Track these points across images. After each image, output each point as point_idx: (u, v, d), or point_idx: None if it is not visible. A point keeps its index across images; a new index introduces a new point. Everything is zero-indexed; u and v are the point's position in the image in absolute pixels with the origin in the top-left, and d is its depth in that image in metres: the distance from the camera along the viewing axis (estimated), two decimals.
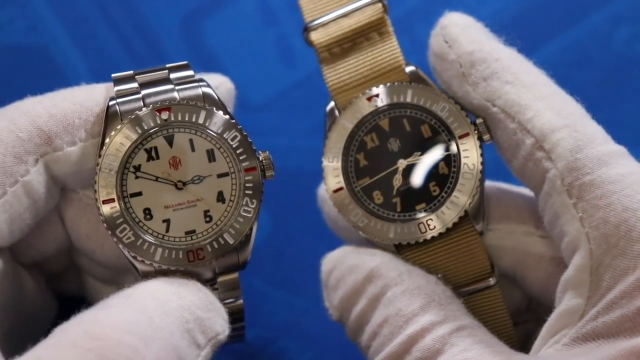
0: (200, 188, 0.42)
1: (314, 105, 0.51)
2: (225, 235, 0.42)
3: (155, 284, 0.40)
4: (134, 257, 0.41)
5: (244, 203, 0.42)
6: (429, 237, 0.44)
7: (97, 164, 0.41)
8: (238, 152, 0.43)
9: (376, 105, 0.45)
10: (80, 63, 0.60)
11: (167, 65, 0.44)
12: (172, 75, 0.44)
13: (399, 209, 0.44)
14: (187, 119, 0.42)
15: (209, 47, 0.61)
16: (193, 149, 0.42)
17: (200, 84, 0.44)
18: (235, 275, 0.43)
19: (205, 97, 0.43)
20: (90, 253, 0.45)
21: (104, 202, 0.41)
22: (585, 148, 0.41)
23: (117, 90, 0.43)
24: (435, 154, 0.45)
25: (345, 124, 0.45)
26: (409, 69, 0.46)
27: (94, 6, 0.61)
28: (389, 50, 0.46)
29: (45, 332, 0.37)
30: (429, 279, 0.42)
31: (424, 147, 0.45)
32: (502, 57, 0.44)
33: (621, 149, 0.42)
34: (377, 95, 0.45)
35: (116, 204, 0.41)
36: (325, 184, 0.45)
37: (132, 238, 0.41)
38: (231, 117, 0.43)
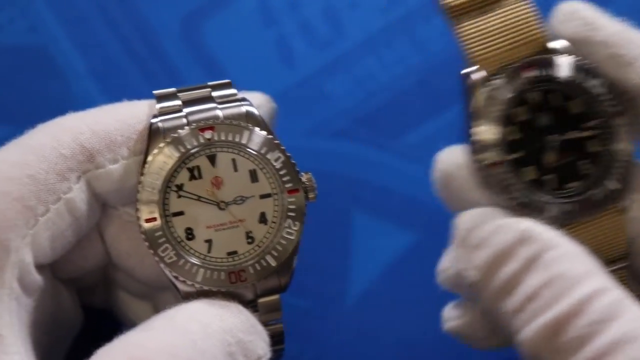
0: (243, 209, 0.42)
1: (314, 106, 0.51)
2: (268, 257, 0.42)
3: (197, 305, 0.40)
4: (176, 277, 0.41)
5: (286, 225, 0.42)
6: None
7: (140, 182, 0.41)
8: (281, 173, 0.42)
9: (527, 77, 0.43)
10: (80, 63, 0.60)
11: (210, 83, 0.44)
12: (215, 94, 0.44)
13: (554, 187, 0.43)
14: (230, 138, 0.42)
15: (209, 48, 0.61)
16: (236, 169, 0.42)
17: (243, 102, 0.44)
18: (276, 297, 0.43)
19: (249, 116, 0.43)
20: (130, 270, 0.45)
21: (146, 220, 0.41)
22: None
23: (160, 108, 0.43)
24: (589, 131, 0.43)
25: (503, 92, 0.43)
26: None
27: (94, 6, 0.61)
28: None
29: (71, 346, 0.37)
30: (581, 247, 0.40)
31: (577, 123, 0.43)
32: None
33: None
34: (530, 66, 0.43)
35: (158, 222, 0.41)
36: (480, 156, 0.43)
37: (174, 258, 0.41)
38: (274, 138, 0.43)
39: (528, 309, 0.39)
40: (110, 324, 0.49)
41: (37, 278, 0.41)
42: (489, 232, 0.41)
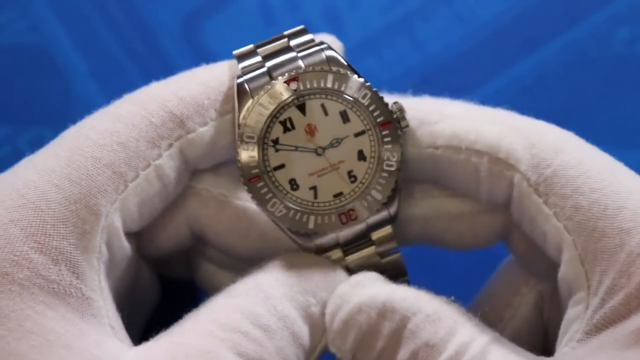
0: (340, 150, 0.42)
1: None
2: (373, 192, 0.42)
3: (279, 266, 0.41)
4: (289, 229, 0.42)
5: (385, 158, 0.42)
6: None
7: (237, 145, 0.42)
8: (371, 109, 0.43)
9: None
10: (81, 63, 0.60)
11: (285, 33, 0.44)
12: (292, 43, 0.44)
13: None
14: (315, 85, 0.42)
15: (209, 47, 0.61)
16: (326, 113, 0.43)
17: (322, 46, 0.43)
18: (388, 228, 0.43)
19: (330, 60, 0.43)
20: (230, 248, 0.45)
21: (250, 180, 0.42)
22: (537, 142, 0.41)
23: (243, 67, 0.43)
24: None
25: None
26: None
27: (94, 6, 0.61)
28: None
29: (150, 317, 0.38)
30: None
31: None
32: (419, 103, 0.44)
33: (569, 133, 0.42)
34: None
35: (262, 179, 0.42)
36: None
37: (284, 211, 0.42)
38: (358, 75, 0.43)
39: None
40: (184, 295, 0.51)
41: (125, 245, 0.41)
42: (350, 314, 0.40)
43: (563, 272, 0.40)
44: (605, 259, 0.38)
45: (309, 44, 0.44)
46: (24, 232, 0.38)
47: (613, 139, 0.57)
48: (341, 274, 0.42)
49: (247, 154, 0.42)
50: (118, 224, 0.41)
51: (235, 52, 0.44)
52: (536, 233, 0.42)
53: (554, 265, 0.42)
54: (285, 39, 0.44)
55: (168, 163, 0.42)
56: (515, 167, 0.41)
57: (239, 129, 0.42)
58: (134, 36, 0.61)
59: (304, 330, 0.40)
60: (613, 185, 0.40)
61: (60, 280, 0.38)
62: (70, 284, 0.38)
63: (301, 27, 0.45)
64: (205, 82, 0.43)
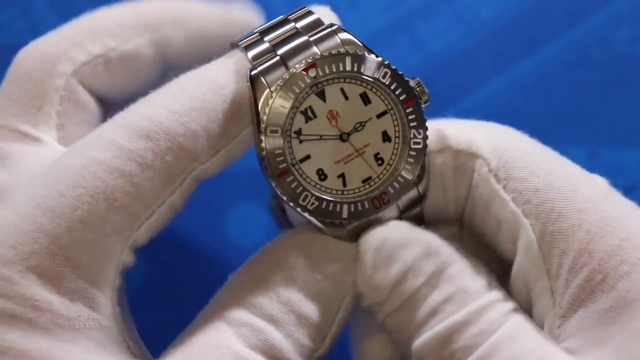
0: (364, 134, 0.42)
1: None
2: (403, 172, 0.41)
3: (281, 248, 0.41)
4: (322, 222, 0.41)
5: (411, 136, 0.42)
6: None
7: (260, 141, 0.40)
8: (392, 87, 0.42)
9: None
10: None
11: (290, 17, 0.43)
12: (299, 25, 0.43)
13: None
14: (334, 69, 0.41)
15: None
16: (346, 98, 0.42)
17: (333, 28, 0.42)
18: (418, 209, 0.43)
19: (344, 42, 0.42)
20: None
21: (278, 175, 0.41)
22: (491, 133, 0.42)
23: (253, 57, 0.42)
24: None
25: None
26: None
27: (95, 6, 0.61)
28: None
29: None
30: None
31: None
32: None
33: (509, 127, 0.43)
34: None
35: (291, 174, 0.41)
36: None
37: (316, 203, 0.41)
38: (375, 54, 0.42)
39: (429, 323, 0.39)
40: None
41: (132, 261, 0.41)
42: (394, 249, 0.40)
43: (519, 261, 0.40)
44: (563, 239, 0.38)
45: (319, 27, 0.43)
46: (42, 278, 0.38)
47: (613, 139, 0.57)
48: (347, 244, 0.41)
49: (273, 149, 0.41)
50: (132, 255, 0.41)
51: (241, 42, 0.42)
52: (489, 223, 0.42)
53: (503, 265, 0.42)
54: (292, 23, 0.43)
55: (182, 193, 0.42)
56: (476, 154, 0.41)
57: (259, 124, 0.41)
58: None
59: (312, 309, 0.39)
60: (564, 169, 0.41)
61: (79, 316, 0.38)
62: (89, 318, 0.38)
63: (305, 8, 0.43)
64: (213, 106, 0.41)
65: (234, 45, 0.43)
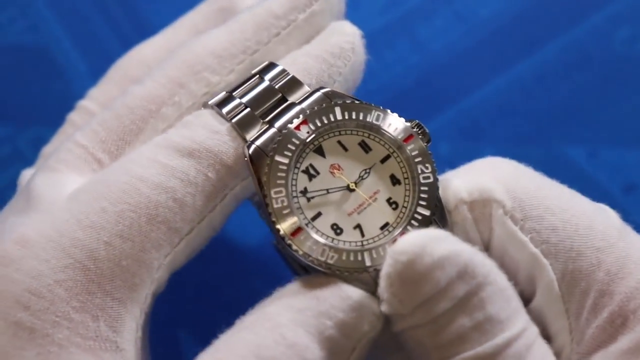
0: (372, 181, 0.41)
1: None
2: (420, 210, 0.41)
3: (290, 292, 0.39)
4: (349, 274, 0.39)
5: (419, 172, 0.41)
6: None
7: (267, 204, 0.40)
8: (388, 129, 0.41)
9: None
10: (81, 63, 0.60)
11: (276, 87, 0.43)
12: (288, 96, 0.42)
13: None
14: (326, 122, 0.41)
15: None
16: (346, 149, 0.42)
17: (317, 88, 0.42)
18: None
19: (328, 95, 0.42)
20: None
21: (292, 234, 0.40)
22: (497, 176, 0.41)
23: (248, 136, 0.41)
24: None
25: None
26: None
27: (94, 6, 0.61)
28: None
29: None
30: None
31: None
32: None
33: (507, 160, 0.42)
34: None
35: (304, 232, 0.40)
36: None
37: (336, 256, 0.40)
38: (360, 101, 0.42)
39: (454, 347, 0.38)
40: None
41: (165, 282, 0.42)
42: (430, 266, 0.37)
43: (537, 301, 0.40)
44: (584, 279, 0.38)
45: (301, 91, 0.42)
46: (68, 293, 0.38)
47: (613, 139, 0.57)
48: (359, 292, 0.39)
49: (281, 212, 0.40)
50: (167, 274, 0.41)
51: (234, 120, 0.42)
52: (507, 264, 0.41)
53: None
54: (280, 94, 0.42)
55: (222, 210, 0.42)
56: (490, 199, 0.41)
57: (262, 190, 0.40)
58: (134, 36, 0.61)
59: (320, 356, 0.37)
60: (576, 203, 0.40)
61: (97, 336, 0.38)
62: (106, 339, 0.38)
63: (281, 69, 0.43)
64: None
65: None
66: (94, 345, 0.38)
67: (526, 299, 0.41)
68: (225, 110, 0.42)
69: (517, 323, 0.38)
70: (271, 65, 0.43)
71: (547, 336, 0.40)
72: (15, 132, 0.58)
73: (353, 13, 0.60)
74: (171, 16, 0.61)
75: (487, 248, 0.42)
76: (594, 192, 0.54)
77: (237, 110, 0.42)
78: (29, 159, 0.49)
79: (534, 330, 0.39)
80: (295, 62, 0.44)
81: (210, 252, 0.53)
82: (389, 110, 0.42)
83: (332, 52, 0.44)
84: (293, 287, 0.39)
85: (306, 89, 0.43)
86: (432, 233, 0.38)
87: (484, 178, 0.41)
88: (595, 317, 0.38)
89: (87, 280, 0.38)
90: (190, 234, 0.41)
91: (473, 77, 0.59)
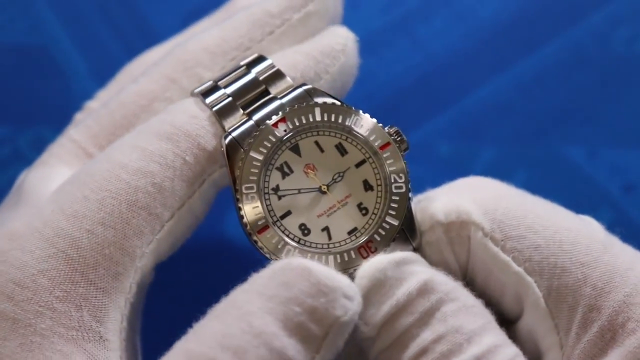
0: (345, 184, 0.41)
1: None
2: (388, 219, 0.41)
3: (261, 278, 0.38)
4: None
5: (392, 181, 0.41)
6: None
7: (237, 199, 0.40)
8: (366, 134, 0.41)
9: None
10: (81, 63, 0.60)
11: (261, 78, 0.43)
12: (271, 88, 0.43)
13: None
14: (304, 121, 0.41)
15: None
16: (322, 150, 0.42)
17: (299, 84, 0.43)
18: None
19: (310, 93, 0.42)
20: None
21: (259, 232, 0.40)
22: (474, 196, 0.41)
23: (229, 125, 0.42)
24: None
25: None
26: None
27: (94, 6, 0.61)
28: None
29: None
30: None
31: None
32: None
33: (488, 179, 0.42)
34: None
35: (271, 230, 0.40)
36: None
37: (300, 256, 0.40)
38: (342, 104, 0.42)
39: None
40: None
41: (151, 277, 0.42)
42: (390, 286, 0.39)
43: (526, 319, 0.40)
44: (571, 294, 0.38)
45: (284, 84, 0.43)
46: (52, 282, 0.38)
47: (613, 139, 0.57)
48: (329, 275, 0.38)
49: (251, 207, 0.40)
50: (151, 263, 0.41)
51: (215, 108, 0.42)
52: (492, 286, 0.41)
53: (507, 323, 0.41)
54: (263, 86, 0.43)
55: (203, 196, 0.42)
56: (467, 221, 0.40)
57: (234, 184, 0.40)
58: (134, 36, 0.61)
59: (289, 343, 0.37)
60: (559, 218, 0.40)
61: (80, 326, 0.38)
62: (89, 329, 0.38)
63: (270, 65, 0.43)
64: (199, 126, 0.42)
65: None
66: (76, 335, 0.38)
67: (516, 318, 0.41)
68: (209, 100, 0.42)
69: (486, 339, 0.38)
70: (260, 58, 0.44)
71: (539, 353, 0.40)
72: (15, 132, 0.58)
73: (353, 13, 0.61)
74: (171, 16, 0.61)
75: (463, 269, 0.42)
76: (594, 192, 0.54)
77: (219, 99, 0.42)
78: (29, 159, 0.49)
79: (511, 351, 0.38)
80: (284, 57, 0.44)
81: (210, 252, 0.54)
82: (368, 115, 0.42)
83: (321, 50, 0.44)
84: (265, 272, 0.39)
85: (289, 82, 0.43)
86: (395, 257, 0.39)
87: (463, 199, 0.41)
88: (585, 331, 0.38)
89: (70, 269, 0.38)
90: (171, 221, 0.41)
91: (473, 77, 0.59)
